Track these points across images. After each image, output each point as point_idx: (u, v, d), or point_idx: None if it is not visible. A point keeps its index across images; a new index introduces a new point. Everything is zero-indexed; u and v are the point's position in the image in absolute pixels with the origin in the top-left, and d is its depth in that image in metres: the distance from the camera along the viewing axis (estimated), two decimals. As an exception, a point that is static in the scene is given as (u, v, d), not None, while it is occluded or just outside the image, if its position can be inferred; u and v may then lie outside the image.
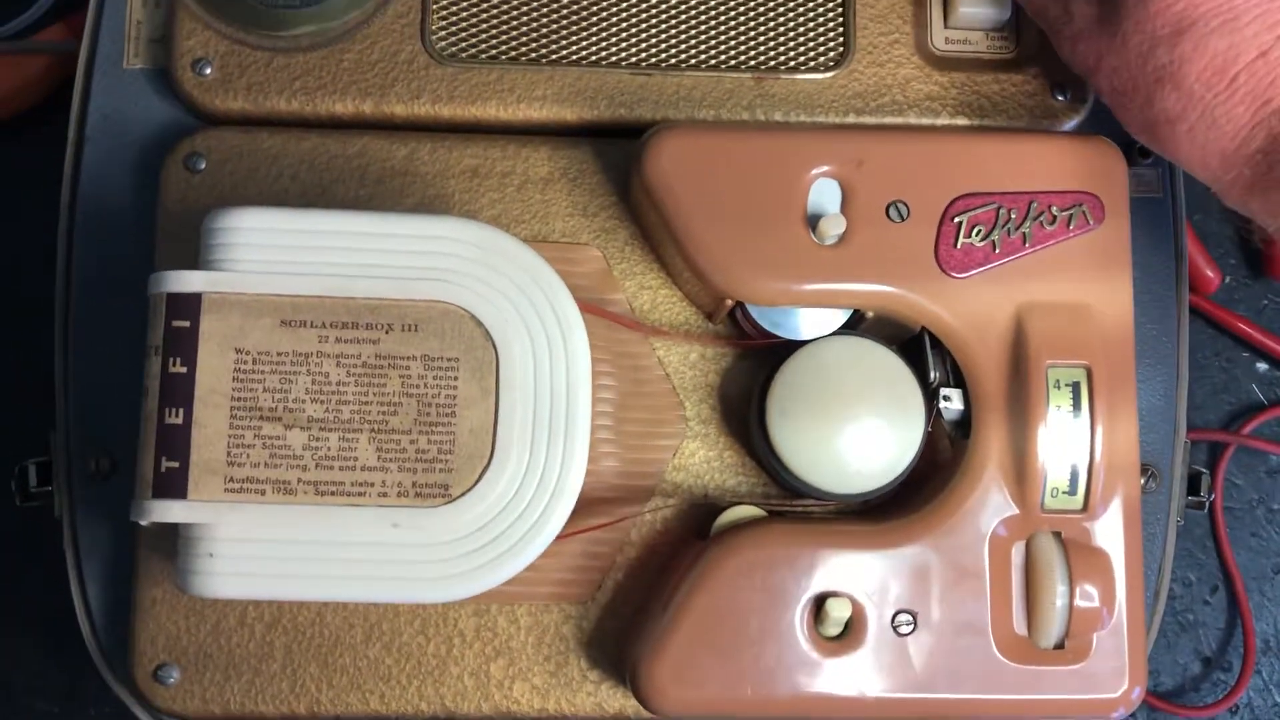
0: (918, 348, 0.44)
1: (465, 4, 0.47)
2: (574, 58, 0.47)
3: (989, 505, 0.42)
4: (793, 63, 0.47)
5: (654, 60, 0.47)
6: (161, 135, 0.47)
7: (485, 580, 0.38)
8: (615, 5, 0.48)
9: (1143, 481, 0.47)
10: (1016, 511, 0.43)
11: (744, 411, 0.45)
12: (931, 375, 0.44)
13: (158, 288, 0.39)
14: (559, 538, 0.39)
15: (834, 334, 0.44)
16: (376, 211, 0.40)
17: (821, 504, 0.45)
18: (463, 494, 0.38)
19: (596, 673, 0.44)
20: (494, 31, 0.47)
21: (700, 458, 0.45)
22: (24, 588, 0.54)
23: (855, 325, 0.45)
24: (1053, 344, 0.42)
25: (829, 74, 0.47)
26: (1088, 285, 0.43)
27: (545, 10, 0.47)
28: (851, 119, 0.47)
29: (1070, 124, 0.47)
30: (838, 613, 0.41)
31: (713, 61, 0.47)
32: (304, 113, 0.46)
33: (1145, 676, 0.43)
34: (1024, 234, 0.43)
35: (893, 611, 0.42)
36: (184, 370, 0.38)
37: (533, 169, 0.46)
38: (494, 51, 0.47)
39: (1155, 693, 0.55)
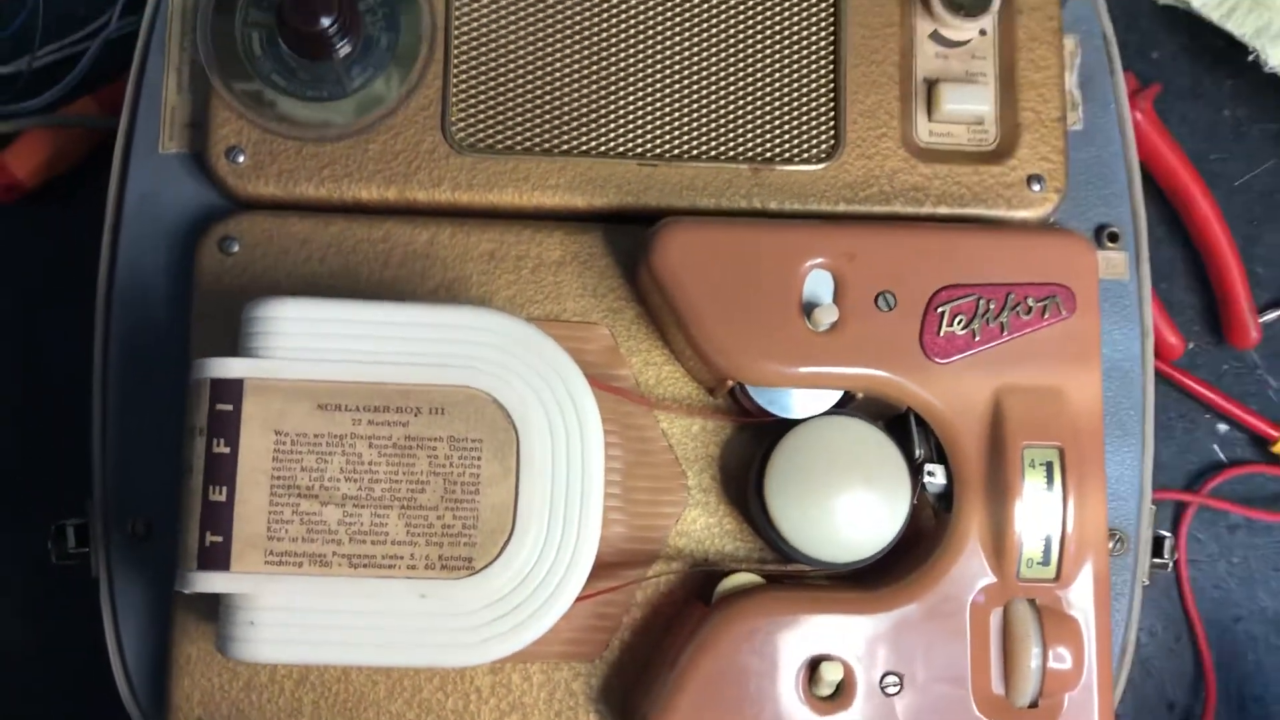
0: (904, 426, 0.47)
1: (483, 98, 0.50)
2: (584, 149, 0.50)
3: (970, 574, 0.45)
4: (787, 155, 0.51)
5: (659, 151, 0.50)
6: (195, 217, 0.50)
7: (506, 646, 0.41)
8: (623, 100, 0.51)
9: (1111, 545, 0.50)
10: (995, 580, 0.45)
11: (743, 481, 0.48)
12: (917, 452, 0.47)
13: (202, 373, 0.41)
14: (570, 601, 0.42)
15: (826, 413, 0.47)
16: (405, 302, 0.43)
17: (814, 570, 0.48)
18: (485, 566, 0.41)
19: (604, 727, 0.47)
20: (509, 123, 0.50)
21: (701, 524, 0.48)
22: (60, 646, 0.56)
23: (846, 404, 0.48)
24: (1028, 426, 0.45)
25: (821, 165, 0.50)
26: (1060, 371, 0.46)
27: (557, 104, 0.50)
28: (842, 207, 0.50)
29: (1045, 211, 0.51)
30: (830, 675, 0.44)
31: (713, 153, 0.51)
32: (332, 198, 0.49)
33: None
34: (1002, 323, 0.46)
35: (881, 673, 0.45)
36: (227, 450, 0.41)
37: (546, 253, 0.49)
38: (510, 142, 0.50)
39: (1123, 738, 0.59)
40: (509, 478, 0.42)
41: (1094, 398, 0.46)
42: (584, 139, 0.50)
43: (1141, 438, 0.52)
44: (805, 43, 0.51)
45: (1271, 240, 0.63)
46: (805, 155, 0.51)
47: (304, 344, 0.42)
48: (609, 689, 0.47)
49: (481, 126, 0.50)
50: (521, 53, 0.51)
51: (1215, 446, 0.62)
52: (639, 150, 0.50)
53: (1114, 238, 0.52)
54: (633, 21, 0.51)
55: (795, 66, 0.51)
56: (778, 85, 0.51)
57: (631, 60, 0.51)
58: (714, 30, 0.51)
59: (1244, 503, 0.60)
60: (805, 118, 0.51)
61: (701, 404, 0.49)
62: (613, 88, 0.51)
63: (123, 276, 0.50)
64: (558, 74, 0.51)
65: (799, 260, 0.46)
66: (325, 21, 0.47)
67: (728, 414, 0.49)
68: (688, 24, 0.51)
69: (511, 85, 0.50)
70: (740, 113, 0.51)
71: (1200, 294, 0.62)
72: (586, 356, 0.48)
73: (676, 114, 0.51)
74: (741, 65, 0.51)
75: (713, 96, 0.51)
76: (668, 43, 0.51)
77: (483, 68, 0.50)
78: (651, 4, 0.51)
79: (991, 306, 0.46)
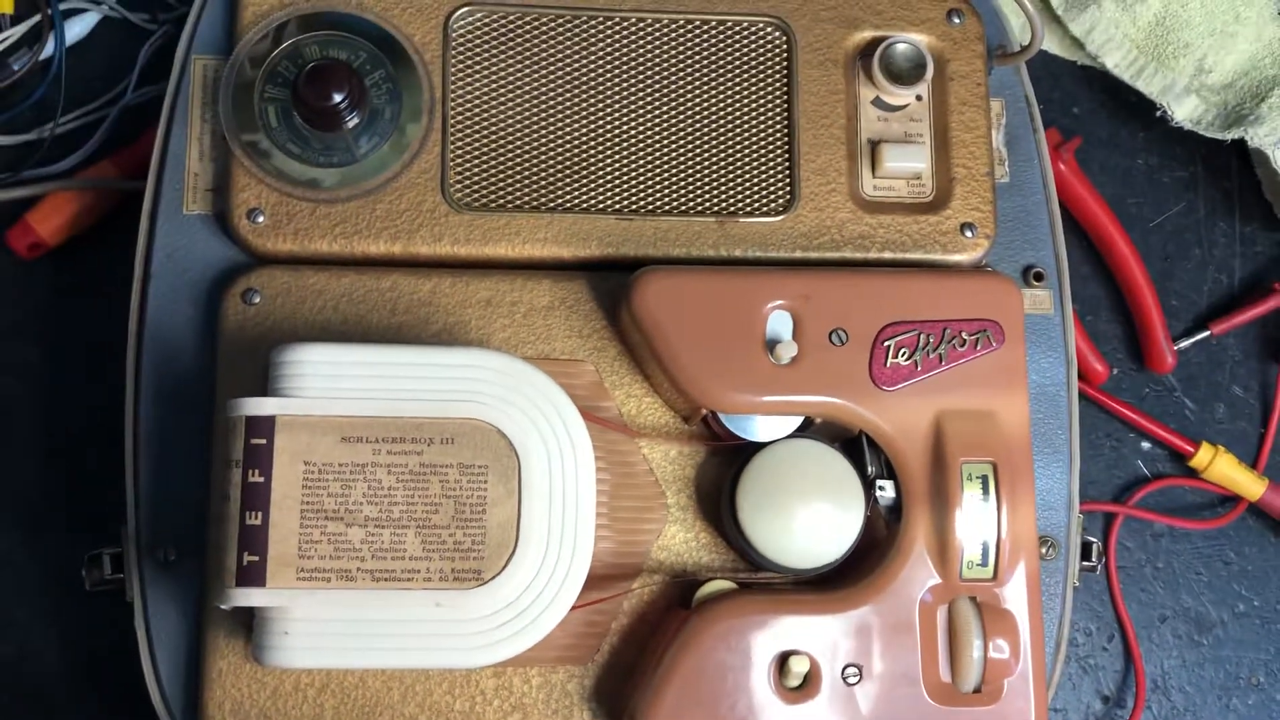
0: (857, 447, 0.51)
1: (477, 162, 0.55)
2: (569, 206, 0.54)
3: (918, 576, 0.49)
4: (749, 208, 0.55)
5: (635, 207, 0.55)
6: (218, 272, 0.53)
7: (512, 648, 0.45)
8: (602, 162, 0.55)
9: (1043, 551, 0.54)
10: (940, 581, 0.49)
11: (716, 500, 0.52)
12: (869, 470, 0.51)
13: (237, 411, 0.46)
14: (565, 610, 0.46)
15: (789, 437, 0.51)
16: (416, 345, 0.48)
17: (782, 576, 0.52)
18: (493, 578, 0.45)
19: (597, 723, 0.51)
20: (502, 184, 0.54)
21: (680, 539, 0.52)
22: (97, 664, 0.58)
23: (806, 429, 0.52)
24: (965, 444, 0.49)
25: (779, 217, 0.55)
26: (992, 395, 0.50)
27: (544, 167, 0.55)
28: (799, 254, 0.54)
29: (977, 255, 0.55)
30: (798, 667, 0.48)
31: (683, 208, 0.55)
32: (343, 253, 0.53)
33: (1047, 715, 0.50)
34: (940, 354, 0.51)
35: (842, 665, 0.49)
36: (261, 480, 0.45)
37: (536, 299, 0.53)
38: (502, 201, 0.55)
39: (1063, 728, 0.62)
40: (512, 499, 0.46)
41: (1022, 418, 0.51)
42: (568, 197, 0.55)
43: (1069, 454, 0.55)
44: (763, 110, 0.56)
45: (1183, 275, 0.67)
46: (765, 209, 0.55)
47: (327, 384, 0.46)
48: (601, 689, 0.51)
49: (477, 187, 0.55)
50: (511, 121, 0.55)
51: (1139, 462, 0.65)
52: (618, 206, 0.55)
53: (1039, 277, 0.57)
54: (610, 93, 0.56)
55: (754, 131, 0.56)
56: (739, 148, 0.56)
57: (609, 127, 0.55)
58: (682, 100, 0.56)
59: (1166, 512, 0.64)
60: (764, 175, 0.56)
61: (678, 431, 0.53)
62: (593, 151, 0.55)
63: (151, 326, 0.53)
64: (544, 140, 0.55)
65: (761, 302, 0.50)
66: (336, 97, 0.51)
67: (702, 439, 0.53)
68: (659, 95, 0.56)
69: (503, 150, 0.55)
70: (706, 172, 0.55)
71: (1122, 325, 0.66)
72: (575, 391, 0.50)
73: (650, 174, 0.55)
74: (707, 130, 0.55)
75: (682, 158, 0.55)
76: (642, 111, 0.55)
77: (477, 135, 0.55)
78: (627, 78, 0.56)
79: (931, 340, 0.51)
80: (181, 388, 0.53)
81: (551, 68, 0.56)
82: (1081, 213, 0.65)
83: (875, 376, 0.51)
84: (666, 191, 0.55)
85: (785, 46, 0.57)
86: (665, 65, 0.56)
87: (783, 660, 0.49)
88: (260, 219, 0.53)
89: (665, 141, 0.56)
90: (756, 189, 0.56)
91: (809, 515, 0.49)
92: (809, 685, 0.49)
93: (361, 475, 0.45)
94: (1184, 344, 0.66)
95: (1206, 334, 0.66)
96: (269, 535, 0.45)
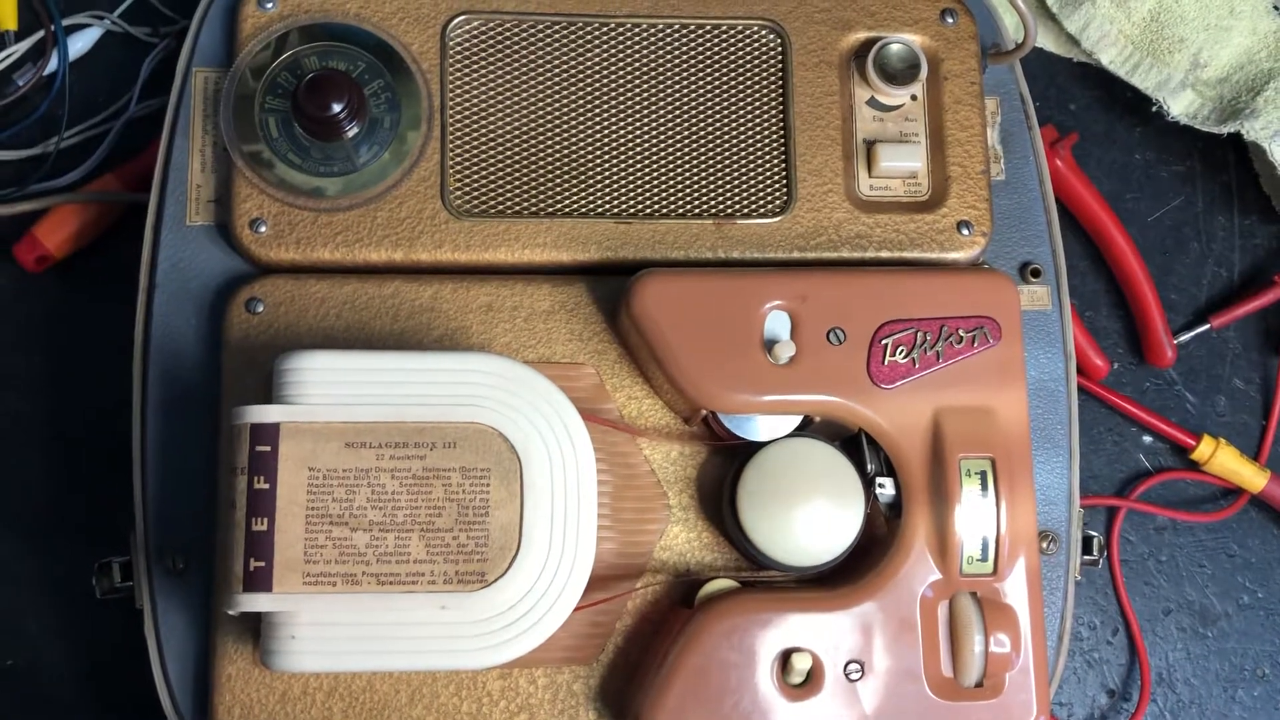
0: (856, 445, 0.51)
1: (476, 169, 0.55)
2: (568, 210, 0.55)
3: (918, 572, 0.50)
4: (746, 210, 0.56)
5: (633, 211, 0.56)
6: (221, 281, 0.54)
7: (517, 649, 0.46)
8: (600, 166, 0.55)
9: (1044, 546, 0.54)
10: (940, 576, 0.50)
11: (718, 499, 0.53)
12: (869, 467, 0.51)
13: (242, 419, 0.46)
14: (569, 611, 0.46)
15: (788, 435, 0.51)
16: (418, 351, 0.48)
17: (784, 575, 0.52)
18: (496, 580, 0.46)
19: (603, 722, 0.51)
20: (501, 191, 0.55)
21: (682, 539, 0.53)
22: (107, 671, 0.59)
23: (805, 427, 0.52)
24: (963, 440, 0.50)
25: (776, 219, 0.55)
26: (990, 391, 0.51)
27: (542, 172, 0.55)
28: (796, 255, 0.55)
29: (973, 253, 0.56)
30: (800, 664, 0.49)
31: (681, 210, 0.56)
32: (345, 261, 0.53)
33: (1049, 707, 0.50)
34: (937, 352, 0.51)
35: (844, 661, 0.49)
36: (267, 486, 0.46)
37: (537, 303, 0.53)
38: (502, 207, 0.55)
39: (1068, 722, 0.62)
40: (514, 501, 0.46)
41: (1020, 413, 0.51)
42: (567, 202, 0.55)
43: (1068, 448, 0.56)
44: (758, 112, 0.57)
45: (1182, 270, 0.67)
46: (762, 210, 0.56)
47: (331, 390, 0.46)
48: (606, 688, 0.51)
49: (476, 194, 0.55)
50: (509, 128, 0.55)
51: (1141, 456, 0.65)
52: (616, 210, 0.55)
53: (1036, 273, 0.57)
54: (607, 97, 0.56)
55: (750, 133, 0.56)
56: (736, 150, 0.56)
57: (607, 131, 0.56)
58: (679, 103, 0.56)
59: (1169, 506, 0.64)
60: (761, 177, 0.56)
61: (679, 431, 0.53)
62: (591, 156, 0.56)
63: (156, 336, 0.53)
64: (542, 145, 0.55)
65: (759, 303, 0.51)
66: (336, 107, 0.51)
67: (702, 439, 0.53)
68: (656, 99, 0.56)
69: (501, 157, 0.55)
70: (704, 175, 0.56)
71: (1122, 320, 0.66)
72: (576, 393, 0.51)
73: (648, 177, 0.56)
74: (703, 133, 0.56)
75: (679, 161, 0.56)
76: (638, 115, 0.56)
77: (475, 142, 0.55)
78: (623, 83, 0.56)
79: (928, 338, 0.51)
80: (187, 396, 0.53)
81: (548, 74, 0.56)
82: (1079, 209, 0.66)
83: (873, 375, 0.51)
84: (664, 194, 0.56)
85: (780, 49, 0.57)
86: (661, 69, 0.57)
87: (785, 658, 0.49)
88: (262, 229, 0.53)
89: (662, 145, 0.56)
90: (753, 190, 0.56)
91: (809, 513, 0.50)
92: (812, 682, 0.49)
93: (365, 480, 0.46)
94: (1184, 337, 0.66)
95: (1206, 327, 0.66)
96: (275, 541, 0.45)
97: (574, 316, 0.54)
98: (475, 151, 0.55)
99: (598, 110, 0.56)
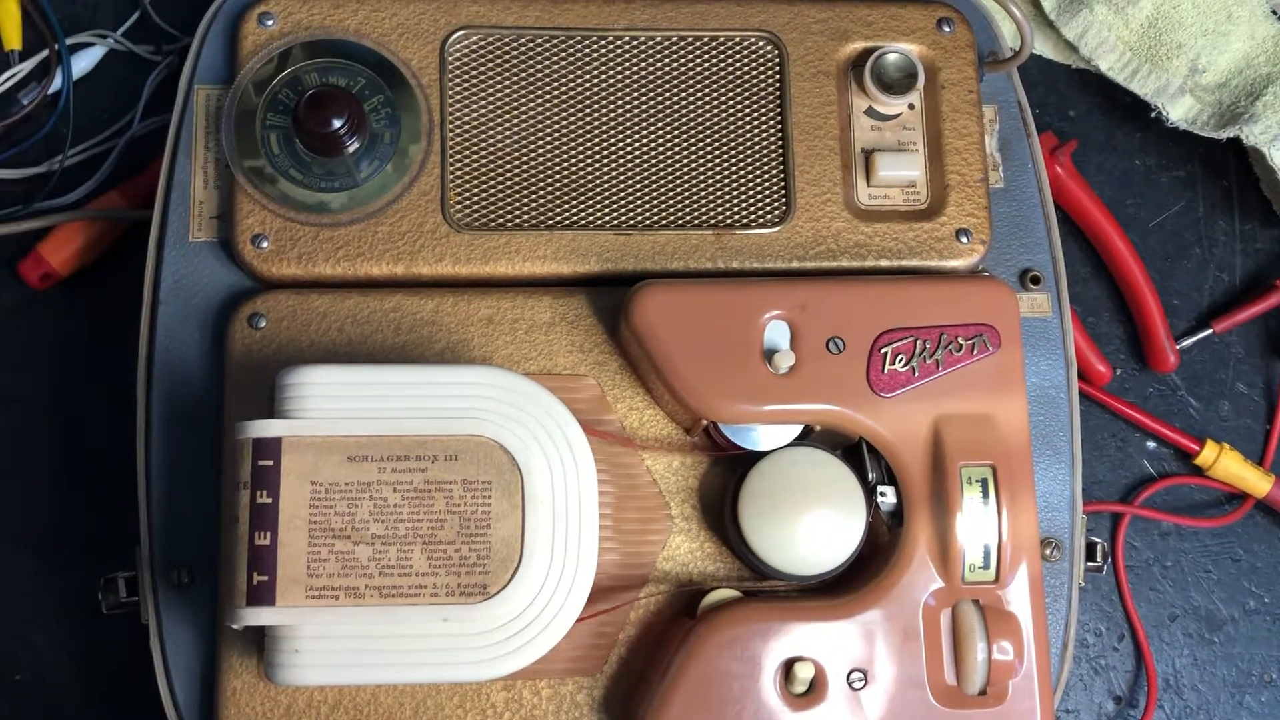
0: (857, 454, 0.51)
1: (476, 182, 0.56)
2: (568, 223, 0.55)
3: (921, 580, 0.50)
4: (745, 220, 0.56)
5: (633, 222, 0.56)
6: (224, 297, 0.54)
7: (519, 660, 0.46)
8: (600, 178, 0.56)
9: (1048, 552, 0.54)
10: (942, 585, 0.50)
11: (720, 509, 0.53)
12: (870, 476, 0.51)
13: (244, 434, 0.47)
14: (572, 622, 0.47)
15: (790, 445, 0.51)
16: (418, 364, 0.48)
17: (786, 584, 0.52)
18: (498, 591, 0.46)
19: (607, 733, 0.51)
20: (501, 204, 0.55)
21: (685, 549, 0.53)
22: (113, 686, 0.59)
23: (806, 436, 0.52)
24: (964, 448, 0.50)
25: (775, 229, 0.56)
26: (990, 399, 0.51)
27: (542, 185, 0.55)
28: (795, 265, 0.55)
29: (973, 261, 0.56)
30: (803, 674, 0.49)
31: (680, 222, 0.56)
32: (347, 276, 0.54)
33: (1053, 714, 0.50)
34: (937, 360, 0.51)
35: (848, 670, 0.49)
36: (269, 500, 0.46)
37: (537, 315, 0.54)
38: (502, 220, 0.55)
39: (1075, 729, 0.62)
40: (516, 513, 0.47)
41: (1020, 420, 0.51)
42: (567, 214, 0.55)
43: (1071, 455, 0.56)
44: (757, 123, 0.57)
45: (1183, 275, 0.67)
46: (761, 220, 0.56)
47: (332, 404, 0.47)
48: (609, 699, 0.51)
49: (476, 207, 0.55)
50: (509, 141, 0.56)
51: (1145, 462, 0.65)
52: (616, 222, 0.55)
53: (1036, 280, 0.57)
54: (605, 110, 0.56)
55: (749, 144, 0.57)
56: (735, 161, 0.56)
57: (606, 144, 0.56)
58: (677, 115, 0.56)
59: (1173, 511, 0.64)
60: (760, 188, 0.56)
61: (680, 442, 0.54)
62: (590, 168, 0.56)
63: (160, 352, 0.54)
64: (541, 159, 0.56)
65: (759, 313, 0.51)
66: (336, 123, 0.52)
67: (704, 450, 0.53)
68: (654, 111, 0.56)
69: (501, 170, 0.56)
70: (703, 186, 0.56)
71: (1124, 326, 0.66)
72: (577, 405, 0.51)
73: (647, 189, 0.56)
74: (702, 145, 0.56)
75: (678, 172, 0.56)
76: (637, 127, 0.56)
77: (475, 156, 0.56)
78: (621, 95, 0.57)
79: (927, 346, 0.51)
80: (191, 411, 0.54)
81: (547, 87, 0.56)
82: (1080, 215, 0.66)
83: (873, 383, 0.51)
84: (663, 206, 0.56)
85: (777, 60, 0.58)
86: (659, 82, 0.57)
87: (788, 667, 0.49)
88: (265, 244, 0.54)
89: (661, 157, 0.56)
90: (752, 201, 0.56)
91: (811, 523, 0.50)
92: (815, 691, 0.49)
93: (367, 493, 0.46)
94: (1186, 343, 0.66)
95: (1209, 332, 0.66)
96: (278, 555, 0.45)
97: (575, 328, 0.54)
98: (475, 165, 0.56)
99: (597, 123, 0.56)
